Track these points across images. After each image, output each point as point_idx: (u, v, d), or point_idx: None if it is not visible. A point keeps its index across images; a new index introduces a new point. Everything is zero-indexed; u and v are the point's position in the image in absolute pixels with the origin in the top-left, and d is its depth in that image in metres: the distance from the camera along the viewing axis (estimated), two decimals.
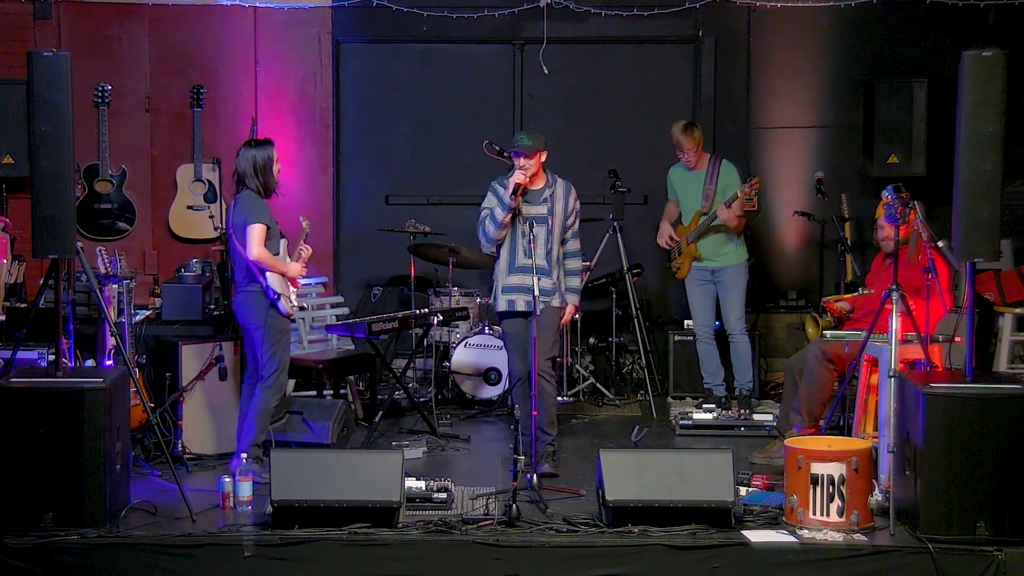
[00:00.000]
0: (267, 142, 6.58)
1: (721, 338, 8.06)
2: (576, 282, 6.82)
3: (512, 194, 6.49)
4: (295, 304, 6.59)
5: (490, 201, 6.62)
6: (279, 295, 6.42)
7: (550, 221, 6.60)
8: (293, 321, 8.13)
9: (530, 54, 9.46)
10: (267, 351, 6.47)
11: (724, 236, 7.85)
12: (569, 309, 6.80)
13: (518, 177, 6.49)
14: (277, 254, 6.50)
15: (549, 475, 6.47)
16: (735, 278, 7.90)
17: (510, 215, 6.55)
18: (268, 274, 6.40)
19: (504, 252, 6.67)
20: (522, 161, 6.50)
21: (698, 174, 7.92)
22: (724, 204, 7.73)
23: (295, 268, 6.57)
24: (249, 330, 6.51)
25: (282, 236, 6.68)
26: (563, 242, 6.72)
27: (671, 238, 8.10)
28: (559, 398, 8.02)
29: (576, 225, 6.76)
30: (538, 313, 6.39)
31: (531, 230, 6.46)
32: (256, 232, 6.38)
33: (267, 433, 6.55)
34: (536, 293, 6.32)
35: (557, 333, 6.85)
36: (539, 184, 6.64)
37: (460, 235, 8.62)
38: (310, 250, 6.76)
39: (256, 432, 6.45)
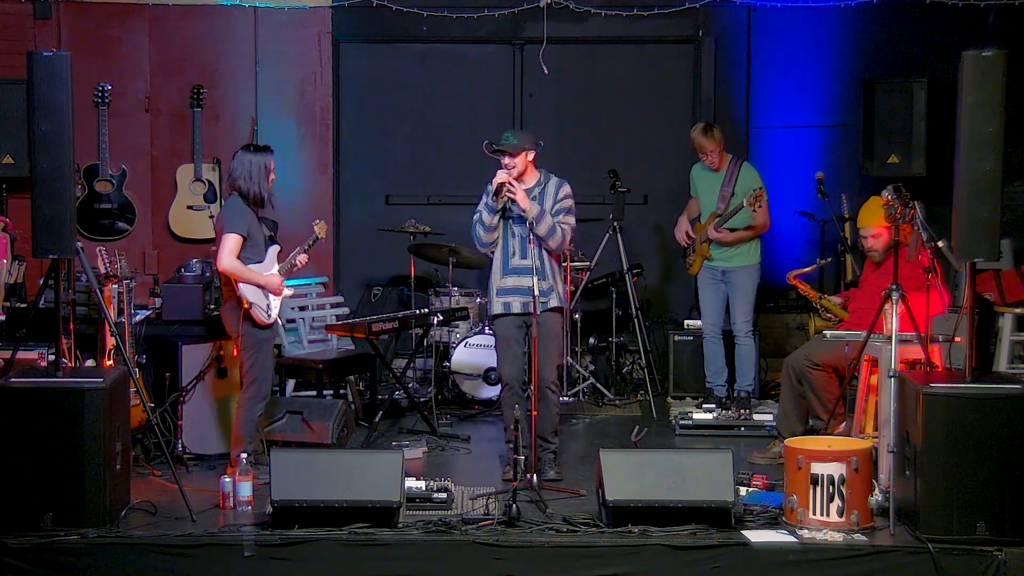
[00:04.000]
0: (265, 149, 6.52)
1: (726, 338, 8.06)
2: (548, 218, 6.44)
3: (494, 195, 6.40)
4: (273, 315, 6.49)
5: (482, 202, 6.55)
6: (252, 304, 6.38)
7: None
8: (291, 322, 8.18)
9: (530, 54, 9.45)
10: (245, 360, 6.46)
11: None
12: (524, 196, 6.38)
13: (500, 177, 6.37)
14: (261, 262, 6.48)
15: (553, 480, 6.46)
16: (745, 281, 7.87)
17: (497, 217, 6.46)
18: (241, 286, 6.37)
19: (497, 253, 6.59)
20: (506, 159, 6.41)
21: (719, 174, 7.91)
22: (714, 225, 7.75)
23: (273, 280, 6.47)
24: (234, 338, 6.54)
25: (274, 242, 6.65)
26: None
27: (688, 234, 8.08)
28: (560, 398, 8.01)
29: (564, 216, 6.47)
30: (530, 310, 6.35)
31: (532, 231, 6.36)
32: (228, 243, 6.33)
33: (256, 442, 6.53)
34: (536, 293, 6.28)
35: (560, 339, 6.79)
36: (530, 183, 6.53)
37: (460, 235, 8.59)
38: (303, 259, 6.68)
39: (244, 442, 6.43)
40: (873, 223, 6.84)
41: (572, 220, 6.58)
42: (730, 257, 7.88)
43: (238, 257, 6.37)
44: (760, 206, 7.70)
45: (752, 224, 7.81)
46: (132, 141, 9.05)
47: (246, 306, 6.36)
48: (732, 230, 7.82)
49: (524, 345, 6.59)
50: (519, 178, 6.46)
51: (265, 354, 6.49)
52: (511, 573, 5.40)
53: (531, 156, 6.48)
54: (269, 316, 6.44)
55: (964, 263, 5.70)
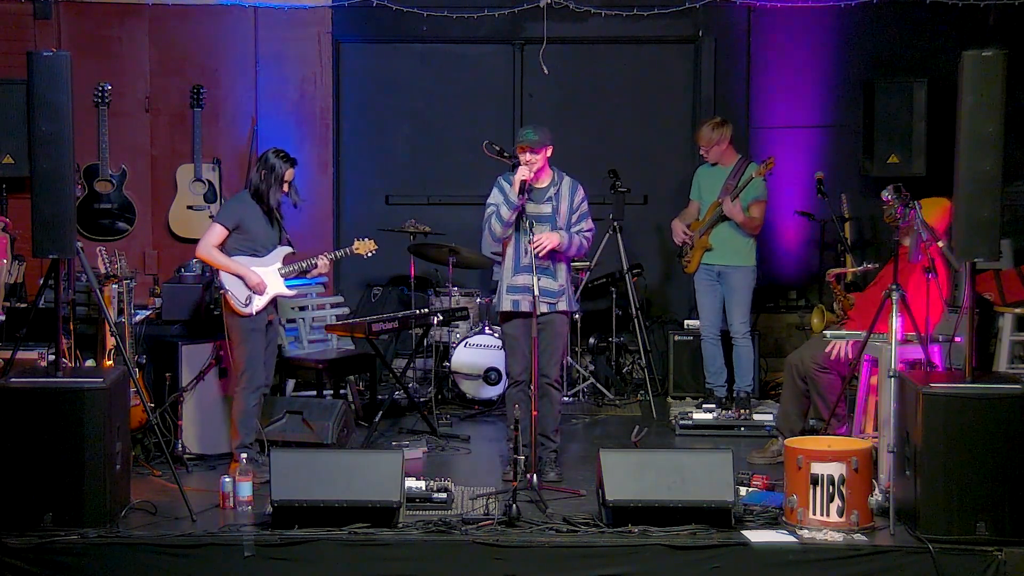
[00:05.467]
0: (288, 159, 6.58)
1: (724, 339, 8.05)
2: (575, 235, 6.49)
3: (519, 193, 6.38)
4: (252, 307, 6.49)
5: (495, 197, 6.51)
6: (227, 291, 6.44)
7: (554, 220, 6.49)
8: (292, 322, 8.18)
9: (530, 54, 9.45)
10: (234, 351, 6.54)
11: (737, 232, 7.82)
12: (551, 236, 6.39)
13: (522, 173, 6.36)
14: (257, 256, 6.52)
15: (554, 482, 6.46)
16: (741, 282, 7.85)
17: (515, 214, 6.44)
18: (221, 272, 6.46)
19: (509, 251, 6.56)
20: (527, 156, 6.38)
21: (725, 169, 7.90)
22: (730, 197, 7.72)
23: (252, 277, 6.49)
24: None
25: (287, 244, 6.65)
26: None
27: (684, 231, 8.05)
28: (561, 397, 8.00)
29: (585, 224, 6.56)
30: (542, 312, 6.34)
31: (531, 229, 6.37)
32: (209, 231, 6.47)
33: (256, 433, 6.55)
34: (536, 293, 6.27)
35: (565, 339, 6.81)
36: (544, 182, 6.53)
37: (460, 235, 8.62)
38: (324, 264, 6.73)
39: (241, 435, 6.45)
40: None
41: (591, 223, 6.63)
42: (727, 255, 7.86)
43: (224, 247, 6.46)
44: (770, 175, 7.67)
45: (757, 199, 7.75)
46: (132, 141, 9.04)
47: (222, 292, 6.42)
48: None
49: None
50: (536, 176, 6.45)
51: (252, 344, 6.51)
52: (511, 573, 5.40)
53: (549, 152, 6.49)
54: (246, 306, 6.47)
55: (964, 263, 5.69)
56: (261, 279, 6.51)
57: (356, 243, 6.92)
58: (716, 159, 7.88)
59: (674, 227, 8.11)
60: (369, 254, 6.96)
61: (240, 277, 6.46)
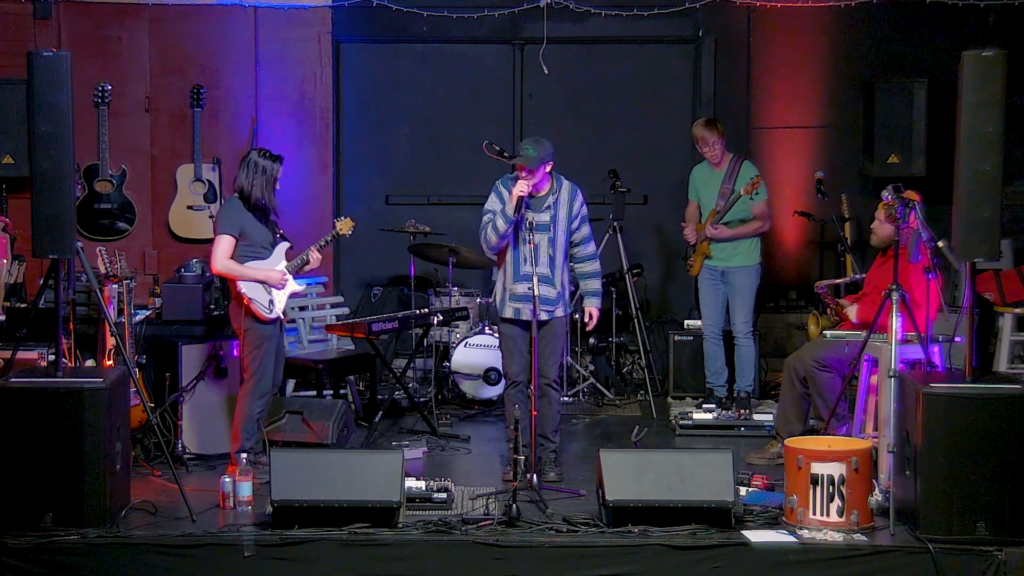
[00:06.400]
0: (275, 157, 6.57)
1: (726, 339, 8.05)
2: (595, 285, 6.69)
3: (516, 209, 6.34)
4: (276, 310, 6.51)
5: (493, 203, 6.47)
6: (252, 300, 6.42)
7: (553, 228, 6.46)
8: (292, 322, 8.17)
9: (530, 54, 9.46)
10: (246, 356, 6.51)
11: (736, 238, 7.83)
12: (591, 312, 6.65)
13: (520, 188, 6.31)
14: (263, 259, 6.52)
15: (554, 482, 6.46)
16: (744, 281, 7.86)
17: (512, 226, 6.41)
18: (239, 283, 6.43)
19: (509, 258, 6.53)
20: (524, 174, 6.34)
21: (719, 173, 7.90)
22: (712, 223, 7.75)
23: (273, 275, 6.50)
24: (238, 335, 6.57)
25: (281, 240, 6.65)
26: (574, 245, 6.59)
27: (692, 231, 8.06)
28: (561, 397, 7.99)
29: (586, 229, 6.58)
30: (542, 321, 6.35)
31: (532, 236, 6.34)
32: (219, 245, 6.44)
33: (256, 440, 6.55)
34: (536, 294, 6.26)
35: (564, 340, 6.79)
36: (544, 190, 6.47)
37: (460, 235, 8.62)
38: (316, 257, 6.70)
39: (243, 440, 6.45)
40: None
41: (589, 229, 6.63)
42: (729, 257, 7.87)
43: (233, 256, 6.44)
44: (758, 193, 7.68)
45: (751, 218, 7.79)
46: (132, 141, 9.05)
47: (246, 302, 6.39)
48: (728, 223, 7.79)
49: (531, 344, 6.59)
50: (534, 186, 6.41)
51: (266, 351, 6.50)
52: (511, 573, 5.40)
53: (549, 167, 6.45)
54: (270, 311, 6.47)
55: (964, 263, 5.69)
56: (281, 272, 6.54)
57: (336, 224, 6.90)
58: (718, 158, 7.88)
59: (685, 227, 8.10)
60: (350, 231, 6.90)
61: (261, 281, 6.46)
